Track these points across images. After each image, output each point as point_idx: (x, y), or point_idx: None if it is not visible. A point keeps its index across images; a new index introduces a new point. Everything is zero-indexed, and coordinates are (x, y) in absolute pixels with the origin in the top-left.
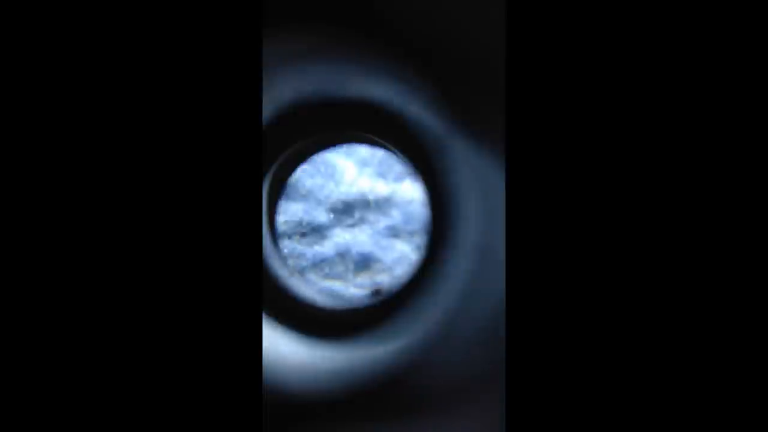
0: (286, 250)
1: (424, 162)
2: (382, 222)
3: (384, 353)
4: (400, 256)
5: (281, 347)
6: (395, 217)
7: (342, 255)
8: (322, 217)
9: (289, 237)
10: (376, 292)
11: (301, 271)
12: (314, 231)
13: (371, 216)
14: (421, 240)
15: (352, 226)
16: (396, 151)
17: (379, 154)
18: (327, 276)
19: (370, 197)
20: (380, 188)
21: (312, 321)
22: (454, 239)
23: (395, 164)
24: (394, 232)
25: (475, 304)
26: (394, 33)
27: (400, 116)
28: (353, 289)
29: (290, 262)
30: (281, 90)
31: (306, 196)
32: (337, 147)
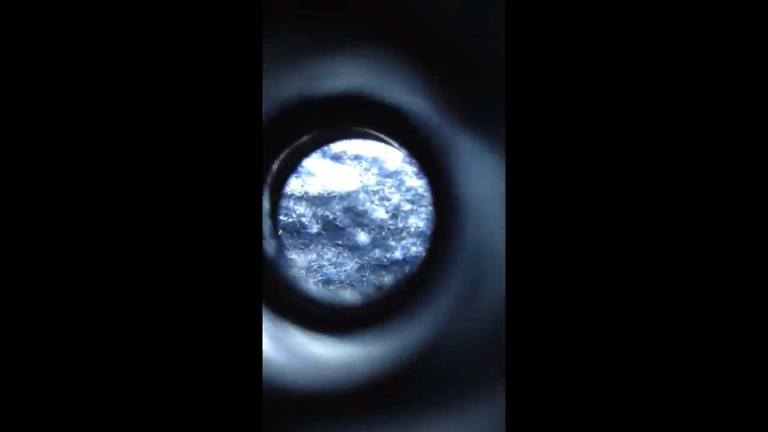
0: None
1: (426, 158)
2: None
3: (385, 350)
4: None
5: (282, 343)
6: None
7: None
8: None
9: None
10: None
11: None
12: None
13: None
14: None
15: None
16: (398, 146)
17: None
18: None
19: None
20: None
21: (314, 317)
22: (457, 236)
23: None
24: None
25: (477, 301)
26: (395, 27)
27: (402, 112)
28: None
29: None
30: (282, 86)
31: None
32: (337, 142)
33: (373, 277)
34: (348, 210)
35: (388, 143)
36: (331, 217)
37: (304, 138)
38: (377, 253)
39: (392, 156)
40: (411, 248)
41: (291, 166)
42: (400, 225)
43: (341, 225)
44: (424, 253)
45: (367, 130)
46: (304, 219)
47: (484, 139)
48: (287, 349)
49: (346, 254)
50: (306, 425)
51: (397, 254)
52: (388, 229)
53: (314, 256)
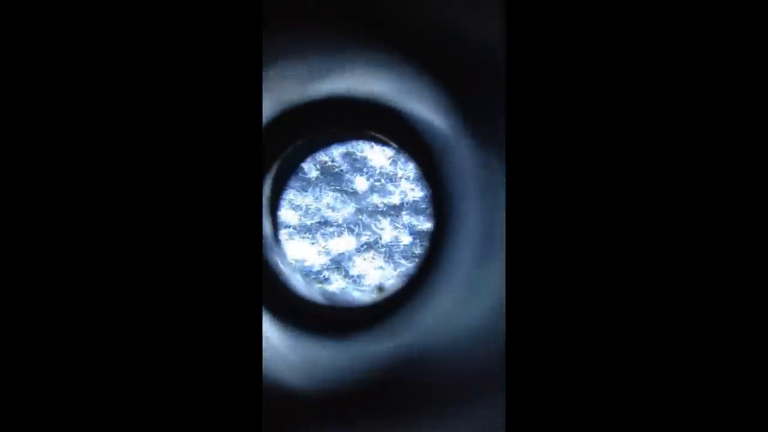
0: None
1: (427, 160)
2: None
3: (385, 351)
4: None
5: (282, 345)
6: None
7: None
8: None
9: None
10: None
11: None
12: None
13: None
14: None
15: None
16: (399, 148)
17: None
18: None
19: None
20: None
21: (314, 319)
22: (456, 238)
23: None
24: None
25: (476, 303)
26: (396, 29)
27: (404, 114)
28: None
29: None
30: (283, 87)
31: None
32: (339, 145)
33: (370, 220)
34: (347, 155)
35: (390, 146)
36: (329, 161)
37: (301, 141)
38: (375, 198)
39: None
40: (409, 194)
41: (287, 172)
42: (399, 172)
43: (340, 170)
44: (423, 256)
45: (367, 132)
46: (302, 163)
47: (485, 141)
48: (288, 350)
49: (343, 198)
50: (306, 427)
51: (395, 200)
52: (387, 174)
53: (312, 199)
